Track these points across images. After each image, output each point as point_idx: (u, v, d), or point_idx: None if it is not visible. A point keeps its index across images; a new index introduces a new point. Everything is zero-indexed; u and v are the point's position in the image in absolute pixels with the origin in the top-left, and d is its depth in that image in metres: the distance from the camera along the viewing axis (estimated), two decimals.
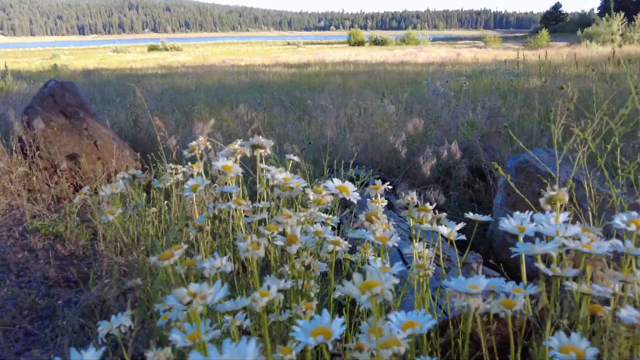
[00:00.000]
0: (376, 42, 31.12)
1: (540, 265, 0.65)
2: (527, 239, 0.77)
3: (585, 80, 5.39)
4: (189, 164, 1.40)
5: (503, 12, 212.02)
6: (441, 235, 0.87)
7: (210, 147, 1.52)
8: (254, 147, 0.89)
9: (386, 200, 1.06)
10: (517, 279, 1.63)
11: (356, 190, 0.84)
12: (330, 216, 1.03)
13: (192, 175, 1.34)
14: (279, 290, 0.71)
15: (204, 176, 1.33)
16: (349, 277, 1.29)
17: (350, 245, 1.00)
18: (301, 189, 0.97)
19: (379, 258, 0.93)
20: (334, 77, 8.81)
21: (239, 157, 1.02)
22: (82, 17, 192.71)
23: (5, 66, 8.99)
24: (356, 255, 1.05)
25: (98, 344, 0.81)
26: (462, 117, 3.64)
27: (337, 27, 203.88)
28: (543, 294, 0.65)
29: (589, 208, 1.47)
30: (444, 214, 0.89)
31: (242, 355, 0.44)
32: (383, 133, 3.62)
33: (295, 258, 0.82)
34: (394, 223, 1.93)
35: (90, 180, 2.73)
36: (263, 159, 1.20)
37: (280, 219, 0.75)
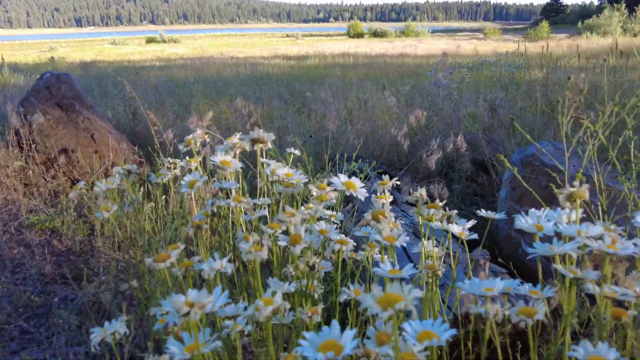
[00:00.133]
0: (375, 34, 30.94)
1: (559, 267, 0.61)
2: (531, 235, 0.73)
3: (587, 73, 5.34)
4: (187, 158, 1.35)
5: (503, 4, 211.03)
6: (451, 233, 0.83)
7: (208, 140, 1.48)
8: (254, 141, 0.85)
9: (391, 196, 1.02)
10: (523, 275, 1.59)
11: (363, 187, 0.80)
12: (334, 212, 0.99)
13: (190, 170, 1.30)
14: (284, 294, 0.68)
15: (201, 171, 1.28)
16: (352, 275, 1.26)
17: (355, 243, 0.96)
18: (303, 185, 0.93)
19: (387, 257, 0.89)
20: (333, 69, 8.74)
21: (238, 151, 0.98)
22: (80, 9, 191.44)
23: (2, 59, 8.89)
24: (361, 253, 1.02)
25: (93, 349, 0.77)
26: (464, 109, 3.59)
27: (336, 19, 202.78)
28: (564, 299, 0.61)
29: (599, 203, 1.44)
30: (455, 211, 0.85)
31: None
32: (384, 125, 3.57)
33: (299, 257, 0.78)
34: (396, 216, 1.89)
35: (87, 174, 2.69)
36: (263, 153, 1.15)
37: (283, 218, 0.71)
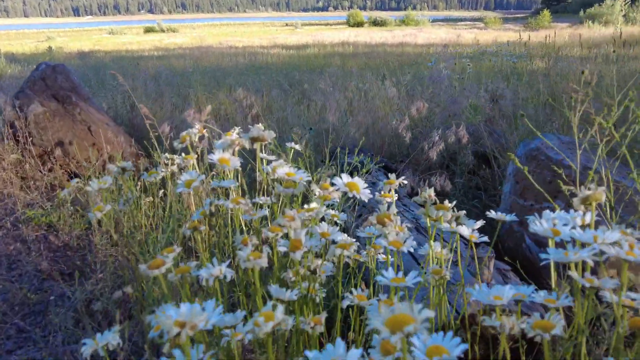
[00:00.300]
0: (375, 23, 30.68)
1: (574, 274, 0.57)
2: (535, 235, 0.70)
3: (589, 63, 5.27)
4: (183, 155, 1.32)
5: None
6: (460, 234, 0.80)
7: (207, 135, 1.44)
8: (254, 139, 0.81)
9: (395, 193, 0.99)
10: (526, 269, 1.56)
11: (367, 187, 0.77)
12: (337, 212, 0.96)
13: (185, 168, 1.27)
14: (285, 302, 0.65)
15: (197, 168, 1.25)
16: (354, 274, 1.23)
17: (357, 242, 0.93)
18: (305, 183, 0.89)
19: (391, 258, 0.86)
20: (333, 58, 8.66)
21: (237, 149, 0.94)
22: None
23: None
24: (364, 253, 0.99)
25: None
26: (465, 100, 3.54)
27: (335, 8, 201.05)
28: (578, 308, 0.58)
29: (607, 200, 1.40)
30: (463, 211, 0.82)
31: None
32: (384, 117, 3.53)
33: (300, 262, 0.75)
34: (397, 210, 1.86)
35: (84, 167, 2.65)
36: (263, 146, 1.12)
37: (283, 222, 0.68)
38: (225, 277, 0.67)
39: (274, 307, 0.52)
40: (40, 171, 2.71)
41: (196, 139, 1.17)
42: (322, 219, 0.92)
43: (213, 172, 1.66)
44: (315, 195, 0.85)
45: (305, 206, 0.87)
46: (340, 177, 0.77)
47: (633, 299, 0.60)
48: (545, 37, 6.92)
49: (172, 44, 15.22)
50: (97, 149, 2.75)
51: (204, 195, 1.60)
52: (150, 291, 0.89)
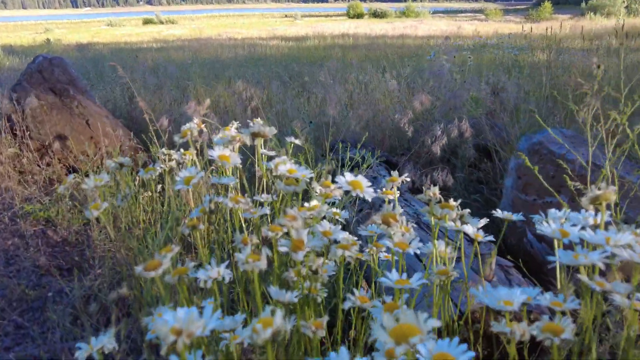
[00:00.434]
0: (376, 15, 30.47)
1: (584, 278, 0.56)
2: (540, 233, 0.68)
3: (591, 55, 5.23)
4: (182, 150, 1.30)
5: None
6: (464, 233, 0.78)
7: (205, 130, 1.42)
8: (254, 135, 0.79)
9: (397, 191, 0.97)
10: (527, 265, 1.54)
11: (371, 186, 0.75)
12: (339, 210, 0.94)
13: (183, 164, 1.25)
14: (286, 305, 0.63)
15: (197, 162, 1.23)
16: (355, 271, 1.21)
17: (360, 242, 0.91)
18: (307, 180, 0.87)
19: (393, 256, 0.84)
20: (333, 50, 8.59)
21: (237, 145, 0.92)
22: None
23: None
24: (365, 251, 0.97)
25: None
26: (466, 93, 3.51)
27: None
28: (588, 314, 0.57)
29: None
30: (468, 210, 0.80)
31: None
32: (385, 110, 3.50)
33: (301, 262, 0.73)
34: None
35: (81, 162, 2.63)
36: (263, 142, 1.09)
37: (284, 222, 0.66)
38: (223, 278, 0.65)
39: (273, 312, 0.50)
40: (38, 165, 2.69)
41: (195, 133, 1.15)
42: (323, 217, 0.90)
43: (212, 167, 1.64)
44: (316, 193, 0.83)
45: (307, 204, 0.85)
46: (343, 175, 0.75)
47: None
48: (546, 29, 6.86)
49: (171, 35, 15.12)
50: (95, 143, 2.73)
51: (204, 191, 1.59)
52: (149, 290, 0.88)
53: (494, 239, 0.79)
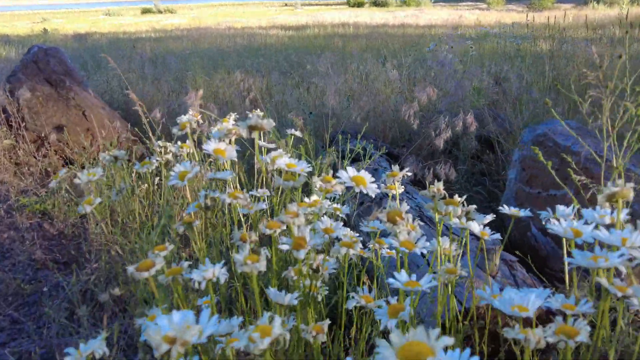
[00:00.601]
0: (376, 4, 30.19)
1: (603, 281, 0.52)
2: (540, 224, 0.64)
3: (595, 44, 5.16)
4: (179, 143, 1.26)
5: None
6: (470, 231, 0.75)
7: (201, 121, 1.38)
8: (252, 128, 0.75)
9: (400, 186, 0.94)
10: (532, 260, 1.51)
11: (374, 181, 0.71)
12: (339, 205, 0.90)
13: (180, 156, 1.21)
14: (286, 307, 0.60)
15: (195, 156, 1.19)
16: (356, 266, 1.18)
17: (361, 238, 0.88)
18: (306, 174, 0.84)
19: (398, 258, 0.81)
20: (333, 39, 8.50)
21: (234, 138, 0.88)
22: None
23: None
24: (369, 247, 0.94)
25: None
26: (469, 84, 3.46)
27: None
28: (605, 315, 0.53)
29: None
30: (474, 206, 0.77)
31: None
32: (386, 100, 3.45)
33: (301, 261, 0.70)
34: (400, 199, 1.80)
35: (77, 153, 2.59)
36: (262, 134, 1.06)
37: (285, 219, 0.63)
38: (218, 279, 0.62)
39: (271, 318, 0.47)
40: (34, 157, 2.65)
41: (194, 125, 1.12)
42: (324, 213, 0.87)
43: (211, 160, 1.60)
44: (316, 188, 0.80)
45: (307, 199, 0.82)
46: (345, 170, 0.71)
47: None
48: (549, 19, 6.78)
49: (170, 25, 14.98)
50: (92, 135, 2.69)
51: (203, 184, 1.55)
52: (142, 289, 0.85)
53: (500, 237, 0.76)
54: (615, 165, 1.40)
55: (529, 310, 0.50)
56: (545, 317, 1.07)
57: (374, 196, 0.70)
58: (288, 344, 0.44)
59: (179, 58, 6.09)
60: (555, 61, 4.16)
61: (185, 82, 4.39)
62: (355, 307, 0.90)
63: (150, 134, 1.65)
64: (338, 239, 0.77)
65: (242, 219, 1.16)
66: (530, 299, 0.52)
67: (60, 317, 1.43)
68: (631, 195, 0.58)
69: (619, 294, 0.51)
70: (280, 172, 0.86)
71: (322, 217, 0.79)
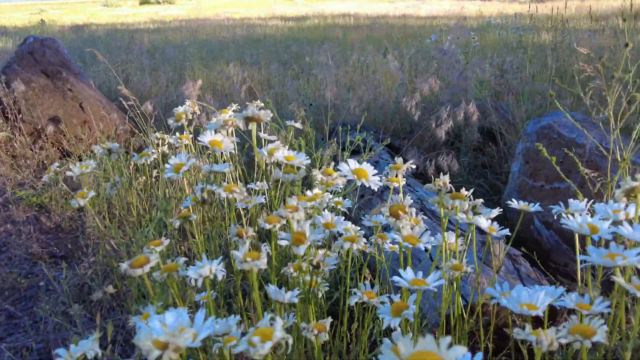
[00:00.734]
0: None
1: (620, 280, 0.50)
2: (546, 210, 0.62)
3: (597, 36, 5.11)
4: (177, 134, 1.23)
5: None
6: (477, 227, 0.72)
7: (198, 112, 1.35)
8: (248, 119, 0.72)
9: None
10: (534, 252, 1.49)
11: (376, 174, 0.69)
12: (341, 199, 0.88)
13: (178, 148, 1.18)
14: (287, 305, 0.57)
15: (191, 147, 1.17)
16: (357, 260, 1.16)
17: (363, 231, 0.86)
18: (305, 167, 0.81)
19: (401, 253, 0.78)
20: (333, 30, 8.43)
21: (231, 129, 0.85)
22: None
23: None
24: (370, 241, 0.91)
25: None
26: (471, 75, 3.42)
27: None
28: (622, 315, 0.51)
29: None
30: (480, 200, 0.74)
31: None
32: (387, 91, 3.41)
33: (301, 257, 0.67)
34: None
35: (74, 146, 2.56)
36: (262, 125, 1.03)
37: (284, 213, 0.60)
38: (215, 276, 0.60)
39: (272, 320, 0.44)
40: (31, 149, 2.62)
41: (190, 117, 1.09)
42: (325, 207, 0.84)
43: (209, 152, 1.57)
44: (317, 181, 0.77)
45: (308, 192, 0.79)
46: (347, 163, 0.68)
47: None
48: (552, 9, 6.71)
49: (169, 16, 14.85)
50: (89, 127, 2.66)
51: (200, 176, 1.52)
52: (141, 284, 0.82)
53: (509, 233, 0.73)
54: (620, 157, 1.37)
55: (538, 308, 0.48)
56: (550, 313, 1.04)
57: (375, 189, 0.68)
58: (290, 348, 0.41)
59: (177, 49, 6.04)
60: (558, 53, 4.11)
61: (183, 74, 4.35)
62: (357, 302, 0.88)
63: (151, 125, 1.62)
64: (339, 234, 0.74)
65: (241, 213, 1.13)
66: (540, 297, 0.49)
67: (57, 312, 1.41)
68: None
69: (639, 294, 0.49)
70: (279, 164, 0.83)
71: (322, 211, 0.76)
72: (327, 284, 0.79)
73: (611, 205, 0.61)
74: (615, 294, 0.63)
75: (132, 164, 1.93)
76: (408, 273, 0.54)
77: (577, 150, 1.69)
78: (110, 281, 1.49)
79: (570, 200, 0.68)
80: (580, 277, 0.74)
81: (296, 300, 0.59)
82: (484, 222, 0.71)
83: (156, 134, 1.26)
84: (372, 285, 0.86)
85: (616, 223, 0.56)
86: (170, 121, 1.08)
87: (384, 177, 0.89)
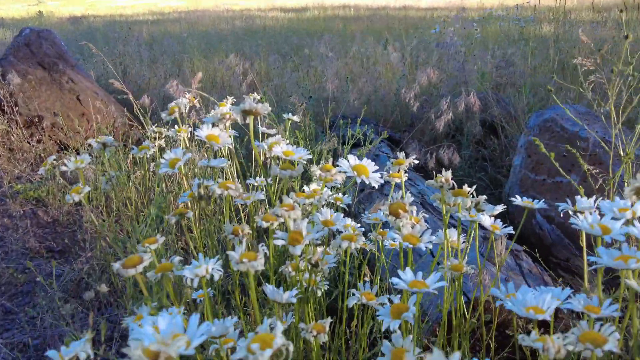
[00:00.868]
0: None
1: (633, 283, 0.48)
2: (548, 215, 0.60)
3: (599, 28, 5.06)
4: (175, 127, 1.21)
5: None
6: (480, 224, 0.70)
7: (197, 105, 1.33)
8: (246, 113, 0.70)
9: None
10: (535, 246, 1.47)
11: (377, 170, 0.67)
12: (340, 195, 0.86)
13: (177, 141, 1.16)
14: (285, 307, 0.55)
15: (186, 142, 1.14)
16: (355, 256, 1.14)
17: (363, 228, 0.84)
18: (304, 162, 0.79)
19: (401, 251, 0.76)
20: (333, 22, 8.36)
21: (228, 123, 0.83)
22: None
23: None
24: (370, 238, 0.89)
25: None
26: (473, 67, 3.39)
27: None
28: (635, 322, 0.49)
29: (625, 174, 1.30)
30: (484, 196, 0.72)
31: None
32: (387, 84, 3.38)
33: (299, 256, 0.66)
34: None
35: (72, 138, 2.54)
36: (260, 118, 1.01)
37: (281, 212, 0.58)
38: (212, 276, 0.58)
39: (272, 326, 0.43)
40: (28, 142, 2.60)
41: (183, 110, 1.06)
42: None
43: (207, 146, 1.55)
44: (316, 177, 0.75)
45: (305, 188, 0.77)
46: (347, 159, 0.66)
47: None
48: (554, 1, 6.65)
49: (168, 7, 14.74)
50: (87, 119, 2.63)
51: (196, 170, 1.50)
52: (132, 283, 0.81)
53: (512, 232, 0.71)
54: (623, 152, 1.34)
55: (545, 312, 0.46)
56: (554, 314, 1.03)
57: (377, 186, 0.66)
58: (291, 355, 0.40)
59: (176, 41, 5.99)
60: (560, 44, 4.07)
61: (183, 66, 4.31)
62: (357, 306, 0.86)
63: (148, 118, 1.59)
64: (339, 232, 0.72)
65: (239, 208, 1.11)
66: (546, 300, 0.47)
67: (54, 308, 1.40)
68: None
69: None
70: (278, 159, 0.81)
71: (321, 208, 0.74)
72: (327, 283, 0.77)
73: (617, 202, 0.59)
74: (620, 293, 0.61)
75: (130, 157, 1.91)
76: (407, 274, 0.52)
77: (581, 143, 1.66)
78: (107, 277, 1.48)
79: (577, 197, 0.66)
80: (582, 274, 0.72)
81: (294, 301, 0.57)
82: (487, 221, 0.70)
83: (152, 127, 1.23)
84: (372, 282, 0.84)
85: (627, 222, 0.54)
86: (163, 115, 1.06)
87: (384, 173, 0.87)
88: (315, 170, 0.73)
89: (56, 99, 2.65)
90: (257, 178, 0.93)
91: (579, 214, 0.56)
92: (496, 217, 0.81)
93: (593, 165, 1.51)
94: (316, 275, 0.71)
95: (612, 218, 0.53)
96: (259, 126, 1.23)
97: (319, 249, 0.73)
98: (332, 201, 0.86)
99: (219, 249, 1.20)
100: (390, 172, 0.86)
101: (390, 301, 0.61)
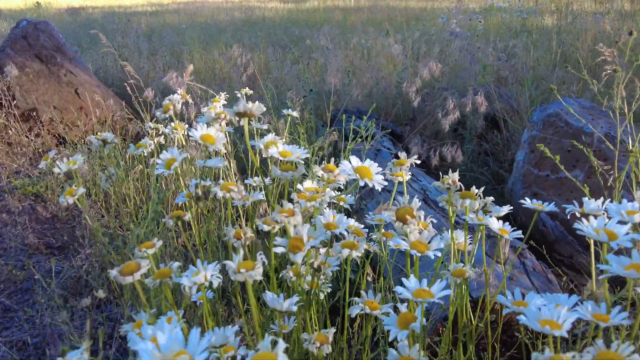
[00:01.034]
0: None
1: None
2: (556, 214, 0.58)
3: (603, 18, 5.00)
4: (172, 124, 1.19)
5: None
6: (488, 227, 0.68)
7: (191, 101, 1.30)
8: (240, 115, 0.68)
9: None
10: (538, 243, 1.45)
11: (380, 172, 0.65)
12: (344, 195, 0.84)
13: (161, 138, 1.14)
14: (286, 312, 0.54)
15: (182, 139, 1.12)
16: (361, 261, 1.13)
17: (367, 228, 0.82)
18: (302, 162, 0.77)
19: (408, 257, 0.75)
20: (333, 13, 8.29)
21: (224, 122, 0.81)
22: None
23: None
24: (373, 241, 0.88)
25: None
26: (475, 60, 3.35)
27: None
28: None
29: (634, 174, 1.28)
30: (491, 198, 0.70)
31: None
32: (388, 76, 3.35)
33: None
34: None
35: (72, 132, 2.51)
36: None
37: (280, 218, 0.56)
38: (211, 283, 0.56)
39: (274, 343, 0.41)
40: (26, 136, 2.58)
41: (178, 106, 1.04)
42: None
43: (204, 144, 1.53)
44: (318, 177, 0.73)
45: (300, 187, 0.75)
46: (349, 160, 0.64)
47: None
48: None
49: None
50: (85, 113, 2.61)
51: (193, 170, 1.48)
52: (129, 288, 0.79)
53: (522, 236, 0.69)
54: (630, 148, 1.32)
55: (561, 327, 0.44)
56: None
57: (379, 189, 0.64)
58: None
59: (175, 32, 5.93)
60: (562, 36, 4.03)
61: (182, 58, 4.28)
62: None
63: (146, 112, 1.57)
64: (342, 235, 0.71)
65: (239, 207, 1.10)
66: (561, 313, 0.45)
67: (53, 306, 1.39)
68: None
69: None
70: (275, 161, 0.79)
71: (323, 210, 0.72)
72: (330, 286, 0.75)
73: (624, 205, 0.57)
74: (628, 294, 0.59)
75: (128, 153, 1.89)
76: (411, 281, 0.51)
77: (586, 139, 1.64)
78: (106, 275, 1.47)
79: (585, 200, 0.64)
80: (586, 271, 0.70)
81: (295, 309, 0.56)
82: (495, 224, 0.68)
83: (149, 123, 1.21)
84: (374, 281, 0.83)
85: (635, 226, 0.52)
86: (158, 113, 1.03)
87: (387, 172, 0.85)
88: (318, 170, 0.71)
89: (54, 92, 2.62)
90: (256, 178, 0.91)
91: (583, 219, 0.54)
92: (507, 223, 0.79)
93: (598, 161, 1.48)
94: (318, 278, 0.70)
95: (619, 222, 0.52)
96: (253, 122, 1.20)
97: (322, 250, 0.72)
98: (334, 201, 0.84)
99: (219, 244, 1.18)
100: (392, 171, 0.84)
101: (396, 309, 0.59)
